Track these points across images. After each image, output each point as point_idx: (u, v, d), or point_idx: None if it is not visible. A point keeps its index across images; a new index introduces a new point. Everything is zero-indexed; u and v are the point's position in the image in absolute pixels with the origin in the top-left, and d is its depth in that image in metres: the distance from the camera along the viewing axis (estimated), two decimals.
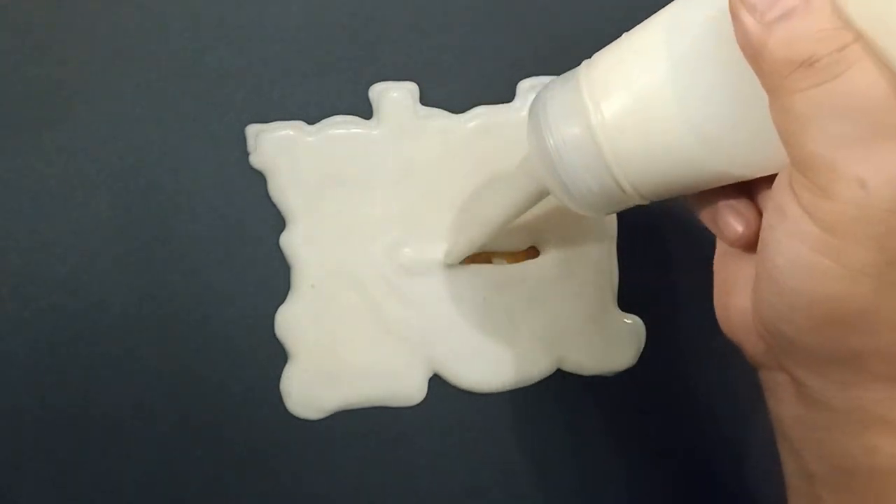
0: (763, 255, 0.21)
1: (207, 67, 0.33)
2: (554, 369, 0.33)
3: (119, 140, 0.32)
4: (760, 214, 0.23)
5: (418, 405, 0.33)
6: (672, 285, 0.35)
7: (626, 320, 0.34)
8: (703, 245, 0.35)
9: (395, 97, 0.33)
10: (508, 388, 0.33)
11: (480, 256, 0.33)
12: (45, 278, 0.32)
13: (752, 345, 0.23)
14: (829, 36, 0.17)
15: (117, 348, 0.32)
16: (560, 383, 0.34)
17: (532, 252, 0.34)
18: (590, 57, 0.24)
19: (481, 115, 0.33)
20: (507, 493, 0.34)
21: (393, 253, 0.33)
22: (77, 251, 0.32)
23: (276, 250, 0.33)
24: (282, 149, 0.32)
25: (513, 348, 0.33)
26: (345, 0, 0.33)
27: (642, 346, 0.34)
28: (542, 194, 0.27)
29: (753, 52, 0.18)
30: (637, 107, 0.22)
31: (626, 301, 0.34)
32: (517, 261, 0.34)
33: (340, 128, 0.33)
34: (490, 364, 0.33)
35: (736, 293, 0.23)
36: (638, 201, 0.23)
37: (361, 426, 0.33)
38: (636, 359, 0.34)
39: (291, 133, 0.33)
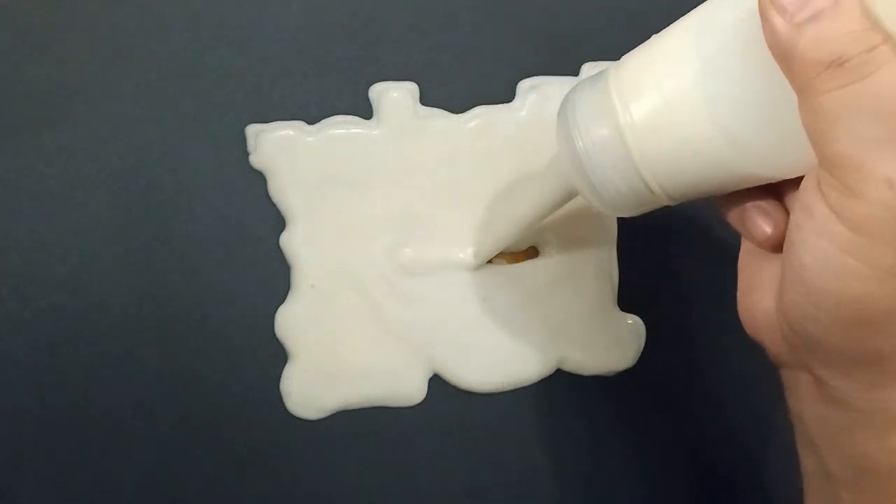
0: (790, 255, 0.21)
1: (207, 67, 0.33)
2: (554, 369, 0.33)
3: (119, 140, 0.32)
4: (788, 215, 0.23)
5: (418, 405, 0.33)
6: (672, 285, 0.35)
7: (626, 320, 0.34)
8: (703, 245, 0.35)
9: (395, 97, 0.33)
10: (508, 388, 0.33)
11: None
12: (45, 278, 0.32)
13: (775, 345, 0.23)
14: (858, 37, 0.18)
15: (117, 348, 0.32)
16: (560, 383, 0.34)
17: (532, 252, 0.34)
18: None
19: (481, 115, 0.33)
20: (507, 493, 0.34)
21: (393, 253, 0.33)
22: (77, 251, 0.32)
23: (276, 250, 0.33)
24: (282, 149, 0.32)
25: (513, 348, 0.33)
26: (345, 0, 0.33)
27: (642, 346, 0.34)
28: (570, 194, 0.27)
29: (783, 53, 0.19)
30: (666, 108, 0.22)
31: (626, 301, 0.34)
32: (517, 261, 0.34)
33: (340, 128, 0.33)
34: (490, 364, 0.33)
35: (760, 293, 0.24)
36: (666, 202, 0.23)
37: (361, 426, 0.33)
38: (636, 359, 0.34)
39: (291, 133, 0.33)
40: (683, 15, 0.23)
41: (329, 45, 0.33)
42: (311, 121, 0.33)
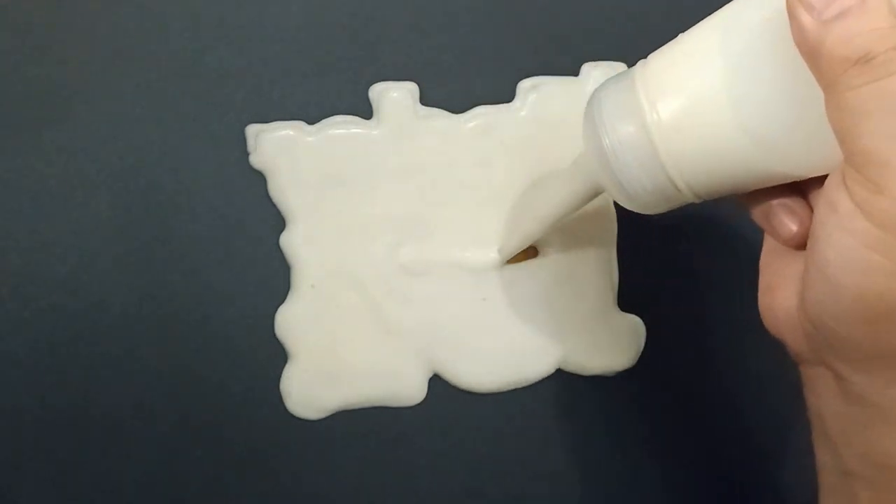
0: (813, 250, 0.21)
1: (207, 67, 0.33)
2: (554, 369, 0.34)
3: (119, 140, 0.32)
4: (813, 213, 0.23)
5: (418, 405, 0.33)
6: (672, 285, 0.35)
7: (626, 320, 0.34)
8: (703, 245, 0.35)
9: (395, 97, 0.33)
10: (508, 388, 0.33)
11: None
12: (45, 278, 0.32)
13: (795, 341, 0.23)
14: (885, 34, 0.18)
15: (117, 348, 0.32)
16: (560, 383, 0.34)
17: (532, 252, 0.34)
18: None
19: (481, 115, 0.33)
20: (507, 493, 0.34)
21: (393, 253, 0.33)
22: (77, 251, 0.32)
23: (276, 250, 0.33)
24: (282, 149, 0.32)
25: (513, 348, 0.33)
26: (345, 0, 0.33)
27: (642, 346, 0.34)
28: (596, 192, 0.27)
29: (810, 50, 0.19)
30: (693, 107, 0.22)
31: (626, 301, 0.34)
32: (517, 261, 0.34)
33: (340, 128, 0.33)
34: (490, 364, 0.33)
35: (782, 290, 0.24)
36: (692, 200, 0.24)
37: (361, 426, 0.33)
38: (636, 359, 0.34)
39: (291, 133, 0.33)
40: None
41: (329, 45, 0.33)
42: (311, 121, 0.33)
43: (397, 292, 0.33)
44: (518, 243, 0.32)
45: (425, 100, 0.33)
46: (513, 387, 0.33)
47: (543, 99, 0.33)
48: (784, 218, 0.24)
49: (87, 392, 0.32)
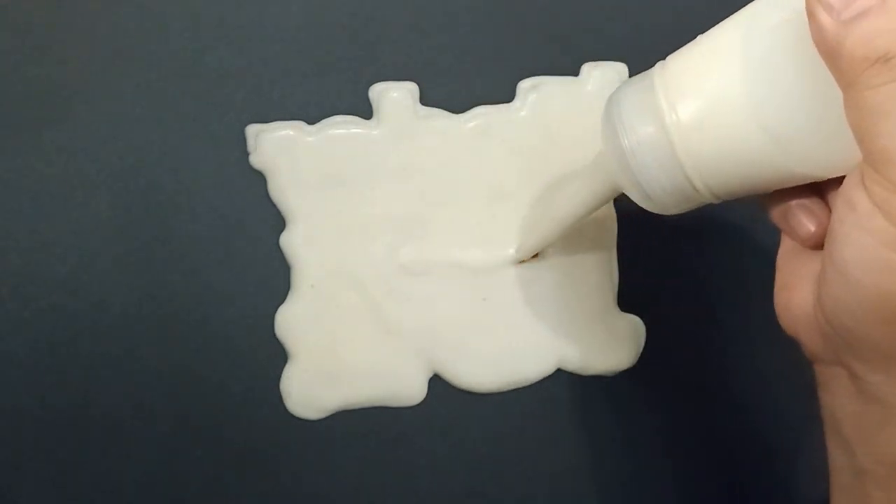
0: (831, 249, 0.21)
1: (207, 67, 0.33)
2: (554, 369, 0.33)
3: (119, 140, 0.32)
4: (831, 213, 0.23)
5: (418, 405, 0.33)
6: (672, 285, 0.35)
7: (626, 320, 0.34)
8: (702, 246, 0.35)
9: (395, 97, 0.33)
10: (508, 388, 0.33)
11: None
12: (45, 278, 0.32)
13: (811, 341, 0.23)
14: None
15: (117, 348, 0.32)
16: (560, 383, 0.34)
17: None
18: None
19: (481, 115, 0.33)
20: (507, 493, 0.34)
21: (393, 253, 0.33)
22: (77, 251, 0.32)
23: (276, 250, 0.33)
24: (282, 149, 0.32)
25: (513, 348, 0.33)
26: (345, 0, 0.33)
27: (642, 346, 0.34)
28: (614, 192, 0.27)
29: (829, 50, 0.19)
30: (713, 108, 0.22)
31: (626, 301, 0.34)
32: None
33: (340, 128, 0.33)
34: (490, 364, 0.33)
35: (798, 289, 0.24)
36: (710, 200, 0.24)
37: (361, 426, 0.33)
38: (636, 359, 0.34)
39: (291, 133, 0.33)
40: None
41: (329, 45, 0.33)
42: (311, 121, 0.33)
43: (397, 292, 0.33)
44: (536, 244, 0.32)
45: (425, 100, 0.33)
46: (513, 387, 0.33)
47: (543, 99, 0.33)
48: (802, 218, 0.24)
49: (87, 392, 0.32)
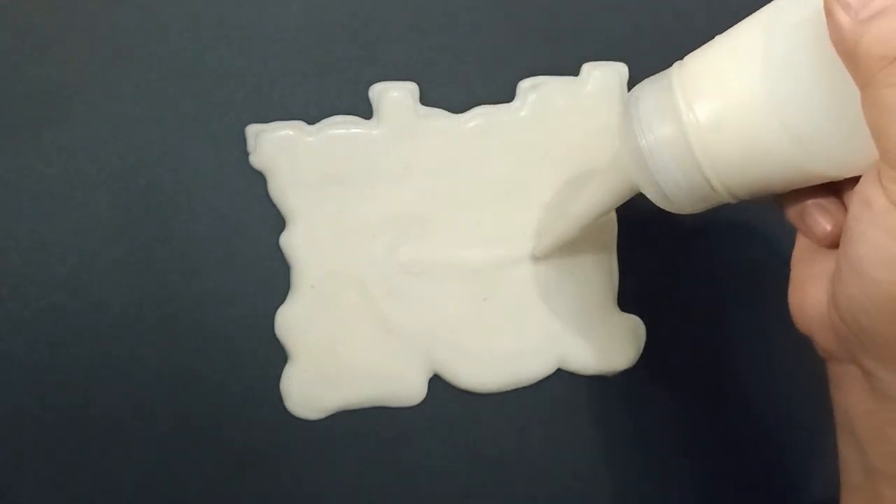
0: (846, 247, 0.21)
1: (207, 67, 0.33)
2: (554, 369, 0.33)
3: (119, 140, 0.32)
4: (847, 212, 0.23)
5: (418, 405, 0.33)
6: (672, 285, 0.35)
7: (626, 320, 0.34)
8: (702, 246, 0.35)
9: (395, 97, 0.33)
10: (508, 388, 0.33)
11: None
12: (45, 278, 0.32)
13: (825, 339, 0.23)
14: None
15: (117, 348, 0.32)
16: (560, 383, 0.34)
17: None
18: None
19: (481, 115, 0.33)
20: (507, 493, 0.34)
21: (393, 253, 0.33)
22: (77, 251, 0.32)
23: (276, 250, 0.33)
24: (282, 149, 0.32)
25: (513, 348, 0.33)
26: (345, 0, 0.33)
27: (642, 346, 0.34)
28: (632, 191, 0.27)
29: (847, 49, 0.19)
30: (730, 108, 0.22)
31: (626, 301, 0.34)
32: None
33: (340, 128, 0.33)
34: (490, 364, 0.33)
35: (812, 287, 0.24)
36: (728, 200, 0.24)
37: (361, 426, 0.33)
38: (636, 359, 0.34)
39: (291, 133, 0.33)
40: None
41: (329, 45, 0.33)
42: (311, 121, 0.33)
43: (397, 292, 0.33)
44: (552, 242, 0.32)
45: (425, 100, 0.33)
46: (513, 387, 0.33)
47: (543, 99, 0.33)
48: (818, 217, 0.24)
49: (87, 392, 0.32)
